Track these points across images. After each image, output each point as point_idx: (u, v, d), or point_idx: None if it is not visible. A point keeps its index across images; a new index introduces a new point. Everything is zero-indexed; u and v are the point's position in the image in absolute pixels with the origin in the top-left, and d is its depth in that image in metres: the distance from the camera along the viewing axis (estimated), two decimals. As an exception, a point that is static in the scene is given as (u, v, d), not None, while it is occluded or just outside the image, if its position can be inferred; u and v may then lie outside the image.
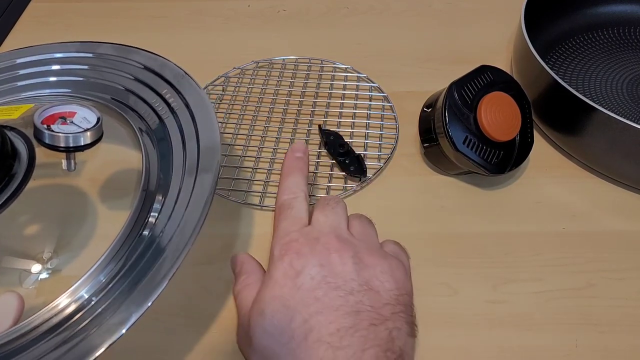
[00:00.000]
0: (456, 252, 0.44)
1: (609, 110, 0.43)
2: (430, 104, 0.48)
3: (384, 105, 0.55)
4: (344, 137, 0.51)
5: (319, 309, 0.32)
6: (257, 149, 0.51)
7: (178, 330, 0.40)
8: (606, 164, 0.48)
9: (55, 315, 0.32)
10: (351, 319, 0.32)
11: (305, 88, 0.57)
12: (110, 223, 0.37)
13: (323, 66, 0.59)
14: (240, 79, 0.58)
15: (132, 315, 0.31)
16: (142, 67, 0.46)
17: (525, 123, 0.46)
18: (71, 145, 0.37)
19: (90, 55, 0.48)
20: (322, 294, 0.33)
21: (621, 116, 0.42)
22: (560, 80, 0.45)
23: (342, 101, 0.55)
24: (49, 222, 0.37)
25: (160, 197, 0.38)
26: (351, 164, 0.49)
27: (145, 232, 0.36)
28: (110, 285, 0.33)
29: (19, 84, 0.48)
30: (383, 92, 0.56)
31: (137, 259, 0.34)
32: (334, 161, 0.50)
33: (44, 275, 0.35)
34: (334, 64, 0.59)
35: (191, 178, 0.37)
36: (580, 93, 0.44)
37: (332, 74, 0.58)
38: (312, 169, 0.50)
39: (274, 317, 0.32)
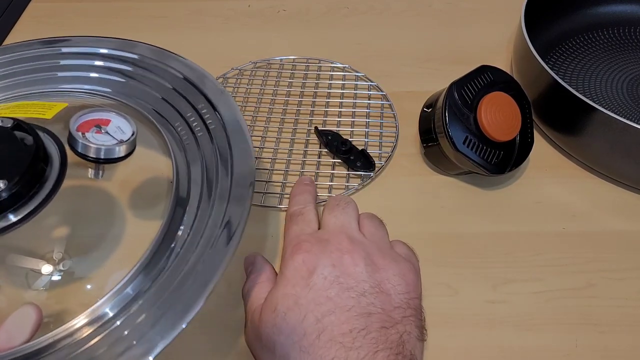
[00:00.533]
0: (456, 252, 0.44)
1: (609, 110, 0.43)
2: (430, 104, 0.47)
3: (383, 104, 0.55)
4: (343, 136, 0.51)
5: (331, 309, 0.32)
6: (257, 149, 0.51)
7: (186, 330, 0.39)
8: (606, 164, 0.48)
9: (74, 333, 0.32)
10: (363, 320, 0.32)
11: (304, 88, 0.57)
12: (139, 234, 0.36)
13: (321, 66, 0.59)
14: (239, 80, 0.58)
15: (158, 344, 0.29)
16: (182, 76, 0.44)
17: (525, 123, 0.46)
18: (102, 157, 0.36)
19: (135, 56, 0.47)
20: (334, 294, 0.33)
21: (621, 116, 0.42)
22: (560, 80, 0.45)
23: (341, 100, 0.55)
24: (76, 229, 0.37)
25: (190, 214, 0.37)
26: (357, 159, 0.49)
27: (175, 246, 0.35)
28: (137, 304, 0.32)
29: (59, 74, 0.47)
30: (382, 91, 0.56)
31: (167, 277, 0.33)
32: (335, 160, 0.50)
33: (68, 286, 0.34)
34: (332, 63, 0.59)
35: (222, 205, 0.36)
36: (580, 93, 0.44)
37: (330, 73, 0.58)
38: (313, 168, 0.50)
39: (286, 315, 0.32)
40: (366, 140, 0.52)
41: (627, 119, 0.42)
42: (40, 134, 0.36)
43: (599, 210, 0.47)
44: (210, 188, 0.38)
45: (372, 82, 0.57)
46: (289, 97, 0.56)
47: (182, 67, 0.45)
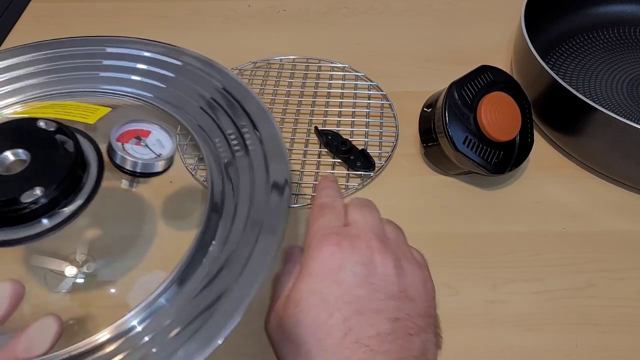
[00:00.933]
0: (456, 252, 0.44)
1: (609, 110, 0.43)
2: (430, 104, 0.47)
3: (382, 104, 0.55)
4: (343, 136, 0.51)
5: (359, 309, 0.31)
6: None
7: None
8: (606, 164, 0.48)
9: (97, 348, 0.31)
10: (390, 325, 0.31)
11: (304, 88, 0.57)
12: (173, 244, 0.36)
13: (321, 65, 0.59)
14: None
15: None
16: (223, 89, 0.43)
17: (525, 123, 0.46)
18: (138, 170, 0.35)
19: (178, 62, 0.45)
20: (363, 293, 0.32)
21: (621, 116, 0.42)
22: (560, 80, 0.45)
23: (341, 100, 0.55)
24: (109, 237, 0.37)
25: (225, 226, 0.36)
26: (357, 159, 0.49)
27: (210, 258, 0.34)
28: (168, 318, 0.31)
29: (102, 74, 0.46)
30: (382, 91, 0.56)
31: (201, 290, 0.32)
32: (335, 160, 0.50)
33: (96, 296, 0.34)
34: (332, 63, 0.59)
35: (255, 231, 0.35)
36: (580, 93, 0.44)
37: (330, 73, 0.58)
38: (313, 168, 0.50)
39: (311, 311, 0.31)
40: (366, 140, 0.52)
41: (627, 119, 0.42)
42: (81, 139, 0.35)
43: (599, 210, 0.47)
44: (246, 204, 0.37)
45: (372, 82, 0.57)
46: (288, 97, 0.56)
47: (225, 80, 0.44)
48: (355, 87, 0.57)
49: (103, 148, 0.36)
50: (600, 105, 0.43)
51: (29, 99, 0.44)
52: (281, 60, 0.60)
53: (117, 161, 0.34)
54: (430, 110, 0.47)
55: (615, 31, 0.60)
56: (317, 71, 0.59)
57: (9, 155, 0.33)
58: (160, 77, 0.45)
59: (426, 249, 0.43)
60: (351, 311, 0.31)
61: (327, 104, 0.55)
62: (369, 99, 0.55)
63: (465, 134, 0.44)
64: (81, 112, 0.39)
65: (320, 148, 0.51)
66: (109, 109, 0.40)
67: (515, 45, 0.54)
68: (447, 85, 0.45)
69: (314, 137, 0.52)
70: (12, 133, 0.35)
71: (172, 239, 0.38)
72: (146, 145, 0.36)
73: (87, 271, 0.36)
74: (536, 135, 0.50)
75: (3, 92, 0.45)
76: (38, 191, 0.31)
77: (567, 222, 0.46)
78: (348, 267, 0.32)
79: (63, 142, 0.34)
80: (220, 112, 0.42)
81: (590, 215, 0.46)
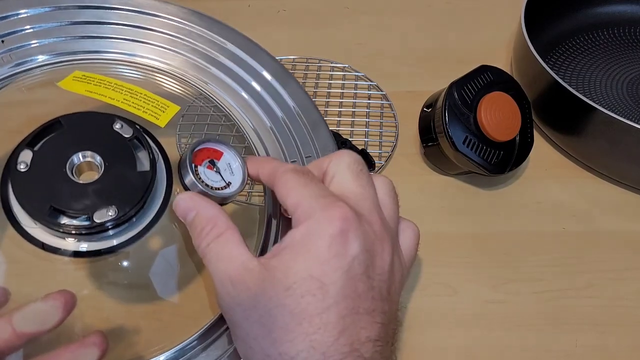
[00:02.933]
0: (456, 252, 0.44)
1: (609, 110, 0.43)
2: (430, 104, 0.47)
3: (382, 104, 0.55)
4: (343, 136, 0.51)
5: (355, 307, 0.27)
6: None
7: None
8: (606, 164, 0.48)
9: None
10: (378, 330, 0.28)
11: (304, 88, 0.57)
12: None
13: (321, 65, 0.59)
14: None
15: None
16: (293, 108, 0.42)
17: (525, 123, 0.46)
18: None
19: (268, 77, 0.44)
20: (362, 288, 0.28)
21: (621, 116, 0.42)
22: (560, 80, 0.45)
23: (340, 100, 0.55)
24: (170, 258, 0.36)
25: None
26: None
27: None
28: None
29: (213, 69, 0.44)
30: (382, 91, 0.56)
31: None
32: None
33: (151, 319, 0.34)
34: (332, 63, 0.59)
35: None
36: (580, 93, 0.44)
37: (330, 73, 0.58)
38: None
39: (303, 299, 0.27)
40: (366, 140, 0.52)
41: (627, 119, 0.42)
42: (154, 147, 0.34)
43: (599, 210, 0.47)
44: None
45: (372, 82, 0.57)
46: (288, 97, 0.56)
47: (297, 96, 0.43)
48: (355, 87, 0.57)
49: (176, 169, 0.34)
50: (600, 105, 0.43)
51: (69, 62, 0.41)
52: (281, 60, 0.60)
53: (187, 183, 0.32)
54: (430, 110, 0.47)
55: (615, 31, 0.60)
56: (317, 71, 0.58)
57: (82, 156, 0.32)
58: (248, 88, 0.43)
59: (426, 249, 0.43)
60: (349, 308, 0.27)
61: (327, 104, 0.55)
62: (369, 99, 0.55)
63: (465, 134, 0.44)
64: (152, 108, 0.37)
65: (320, 148, 0.51)
66: (179, 108, 0.38)
67: (515, 45, 0.54)
68: (447, 85, 0.45)
69: (313, 137, 0.52)
70: (87, 131, 0.33)
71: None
72: (218, 172, 0.33)
73: (144, 285, 0.36)
74: (536, 135, 0.50)
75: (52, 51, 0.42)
76: (112, 212, 0.31)
77: (567, 222, 0.46)
78: (357, 255, 0.27)
79: (137, 149, 0.33)
80: (287, 134, 0.41)
81: (590, 215, 0.46)
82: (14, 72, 0.40)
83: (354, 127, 0.53)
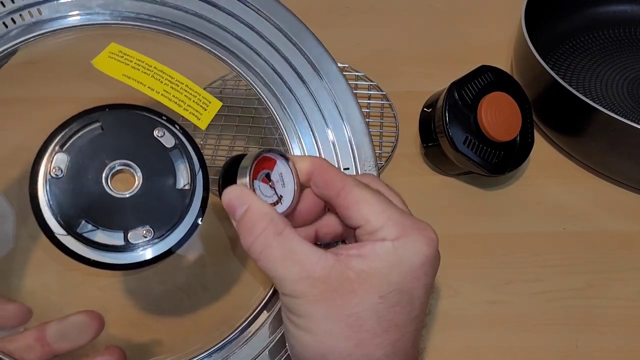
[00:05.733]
0: (456, 252, 0.44)
1: (609, 110, 0.43)
2: (431, 104, 0.47)
3: (383, 104, 0.55)
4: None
5: (424, 321, 0.30)
6: (257, 149, 0.51)
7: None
8: (606, 164, 0.48)
9: None
10: (420, 341, 0.31)
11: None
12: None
13: (323, 66, 0.59)
14: (237, 82, 0.58)
15: None
16: (346, 138, 0.39)
17: (526, 123, 0.46)
18: None
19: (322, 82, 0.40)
20: (424, 308, 0.31)
21: (621, 116, 0.42)
22: (560, 80, 0.45)
23: (341, 101, 0.55)
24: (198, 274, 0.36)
25: None
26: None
27: None
28: None
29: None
30: (382, 91, 0.56)
31: None
32: (333, 161, 0.50)
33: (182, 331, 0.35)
34: (333, 63, 0.59)
35: None
36: (581, 93, 0.44)
37: (332, 73, 0.58)
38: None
39: (394, 309, 0.28)
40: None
41: (628, 119, 0.42)
42: (195, 157, 0.32)
43: (599, 210, 0.47)
44: None
45: (372, 82, 0.57)
46: (288, 97, 0.56)
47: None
48: (355, 87, 0.57)
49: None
50: (600, 105, 0.43)
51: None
52: (281, 60, 0.60)
53: None
54: (430, 110, 0.47)
55: (615, 31, 0.60)
56: (317, 71, 0.58)
57: (119, 165, 0.31)
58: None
59: (426, 249, 0.43)
60: (422, 322, 0.30)
61: (327, 104, 0.55)
62: (369, 99, 0.55)
63: (466, 134, 0.44)
64: (194, 105, 0.34)
65: (320, 148, 0.51)
66: (220, 104, 0.35)
67: (515, 45, 0.54)
68: (447, 85, 0.45)
69: (314, 137, 0.52)
70: (126, 135, 0.31)
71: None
72: (272, 186, 0.31)
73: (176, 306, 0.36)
74: (536, 135, 0.50)
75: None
76: (147, 233, 0.30)
77: (567, 222, 0.46)
78: (435, 273, 0.30)
79: (177, 158, 0.32)
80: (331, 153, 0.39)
81: (590, 215, 0.46)
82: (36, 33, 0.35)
83: (354, 127, 0.53)
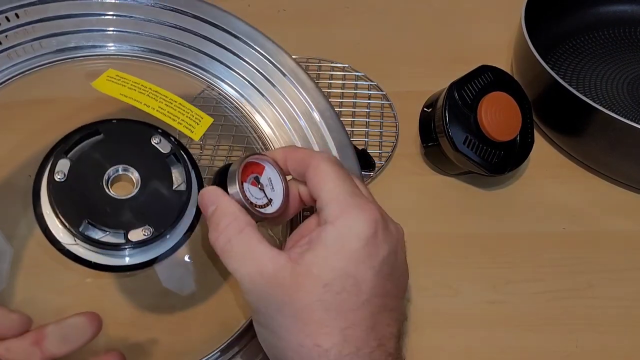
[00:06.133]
0: (456, 252, 0.44)
1: (609, 110, 0.43)
2: (431, 104, 0.47)
3: (383, 103, 0.55)
4: (343, 136, 0.51)
5: (384, 305, 0.29)
6: (257, 149, 0.51)
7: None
8: (606, 164, 0.48)
9: None
10: (397, 326, 0.30)
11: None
12: None
13: (321, 65, 0.59)
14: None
15: None
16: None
17: (526, 123, 0.46)
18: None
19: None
20: (389, 287, 0.30)
21: (621, 116, 0.42)
22: (560, 80, 0.45)
23: (341, 100, 0.55)
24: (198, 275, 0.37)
25: None
26: (357, 159, 0.49)
27: None
28: None
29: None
30: (382, 91, 0.56)
31: None
32: (334, 161, 0.50)
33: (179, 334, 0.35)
34: (332, 63, 0.59)
35: None
36: (581, 93, 0.44)
37: (330, 73, 0.58)
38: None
39: (340, 295, 0.28)
40: (366, 140, 0.52)
41: (628, 119, 0.42)
42: (189, 164, 0.34)
43: (599, 210, 0.47)
44: None
45: (372, 81, 0.57)
46: (288, 97, 0.56)
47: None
48: (355, 87, 0.57)
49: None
50: (600, 105, 0.43)
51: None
52: (281, 60, 0.60)
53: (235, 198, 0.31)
54: (430, 110, 0.47)
55: (615, 31, 0.60)
56: (317, 71, 0.58)
57: (119, 170, 0.32)
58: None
59: (426, 249, 0.43)
60: (378, 305, 0.29)
61: (327, 104, 0.55)
62: (369, 99, 0.55)
63: (465, 134, 0.44)
64: (187, 120, 0.37)
65: (320, 148, 0.51)
66: (212, 120, 0.38)
67: (515, 45, 0.54)
68: (447, 85, 0.45)
69: (314, 137, 0.52)
70: (124, 142, 0.33)
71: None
72: (261, 189, 0.32)
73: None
74: (536, 135, 0.50)
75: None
76: (147, 231, 0.31)
77: (567, 222, 0.46)
78: (386, 253, 0.29)
79: (173, 164, 0.33)
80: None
81: (590, 215, 0.46)
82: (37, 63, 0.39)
83: (354, 127, 0.53)
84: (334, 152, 0.41)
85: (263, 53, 0.44)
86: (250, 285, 0.29)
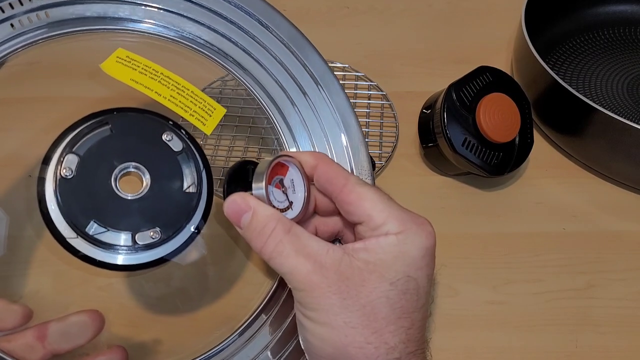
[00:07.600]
0: (456, 252, 0.44)
1: (609, 110, 0.43)
2: (430, 106, 0.47)
3: (383, 104, 0.55)
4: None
5: (428, 311, 0.32)
6: (257, 149, 0.51)
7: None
8: (606, 164, 0.48)
9: None
10: (426, 331, 0.32)
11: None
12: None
13: (323, 66, 0.59)
14: (237, 84, 0.58)
15: None
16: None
17: (525, 123, 0.46)
18: None
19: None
20: (430, 296, 0.32)
21: (621, 116, 0.42)
22: (560, 81, 0.45)
23: (342, 101, 0.55)
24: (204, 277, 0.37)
25: None
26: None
27: None
28: None
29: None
30: (382, 91, 0.56)
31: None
32: (334, 161, 0.50)
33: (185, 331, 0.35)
34: (332, 63, 0.59)
35: None
36: (581, 93, 0.44)
37: (332, 74, 0.58)
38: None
39: (404, 295, 0.29)
40: (366, 140, 0.52)
41: (627, 119, 0.42)
42: (200, 162, 0.33)
43: (599, 210, 0.47)
44: None
45: (372, 82, 0.57)
46: (289, 98, 0.56)
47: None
48: (355, 87, 0.57)
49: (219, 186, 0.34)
50: (600, 106, 0.43)
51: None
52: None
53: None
54: (429, 111, 0.47)
55: (615, 31, 0.60)
56: (317, 71, 0.58)
57: (128, 167, 0.31)
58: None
59: (426, 250, 0.43)
60: (427, 311, 0.31)
61: (327, 104, 0.55)
62: (369, 99, 0.55)
63: (464, 135, 0.44)
64: (200, 111, 0.35)
65: (320, 148, 0.51)
66: (225, 111, 0.36)
67: (515, 45, 0.54)
68: (447, 85, 0.45)
69: (314, 138, 0.52)
70: (134, 137, 0.32)
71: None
72: (284, 192, 0.31)
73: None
74: (536, 136, 0.50)
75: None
76: (155, 234, 0.30)
77: (567, 222, 0.46)
78: (435, 265, 0.31)
79: (184, 162, 0.32)
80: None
81: (590, 215, 0.46)
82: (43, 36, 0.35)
83: (354, 128, 0.53)
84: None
85: (301, 58, 0.42)
86: (309, 281, 0.28)
